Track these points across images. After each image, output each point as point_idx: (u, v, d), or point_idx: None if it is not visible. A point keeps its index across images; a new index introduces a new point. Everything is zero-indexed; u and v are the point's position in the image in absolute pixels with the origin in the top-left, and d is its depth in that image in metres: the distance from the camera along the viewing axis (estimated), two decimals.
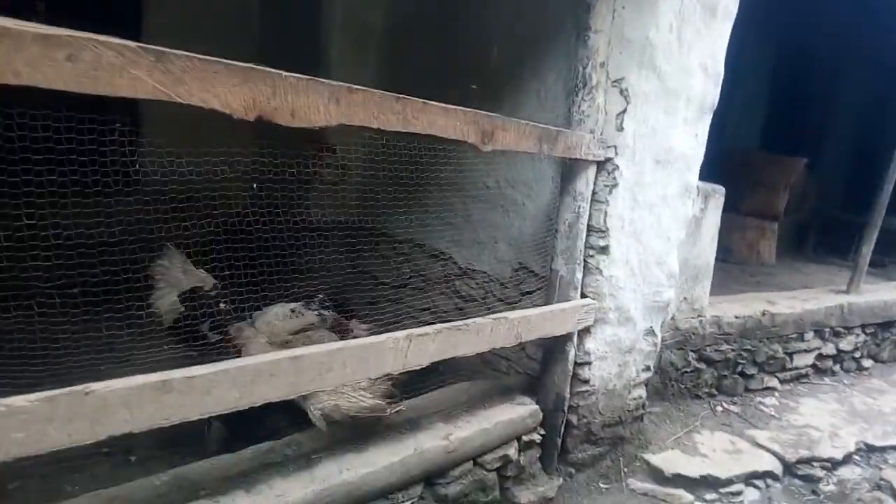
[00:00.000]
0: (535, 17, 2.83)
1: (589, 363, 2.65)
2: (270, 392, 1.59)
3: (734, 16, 2.68)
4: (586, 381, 2.67)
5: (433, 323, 3.60)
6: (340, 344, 1.75)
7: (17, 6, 1.19)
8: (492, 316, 2.18)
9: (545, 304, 2.59)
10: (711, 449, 3.09)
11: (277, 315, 2.71)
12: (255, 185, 2.23)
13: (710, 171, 3.04)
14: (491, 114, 1.98)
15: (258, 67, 1.43)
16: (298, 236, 2.89)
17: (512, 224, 3.04)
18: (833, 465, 3.22)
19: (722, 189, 3.46)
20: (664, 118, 2.57)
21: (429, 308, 3.67)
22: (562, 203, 2.51)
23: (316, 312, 2.56)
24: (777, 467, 3.07)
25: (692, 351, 3.53)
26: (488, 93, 3.08)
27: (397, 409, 2.11)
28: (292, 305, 2.73)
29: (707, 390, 3.64)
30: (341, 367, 1.73)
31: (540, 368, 2.68)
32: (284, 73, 1.47)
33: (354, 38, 4.09)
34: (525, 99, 2.90)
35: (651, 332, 2.87)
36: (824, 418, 3.68)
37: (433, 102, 1.81)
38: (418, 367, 1.96)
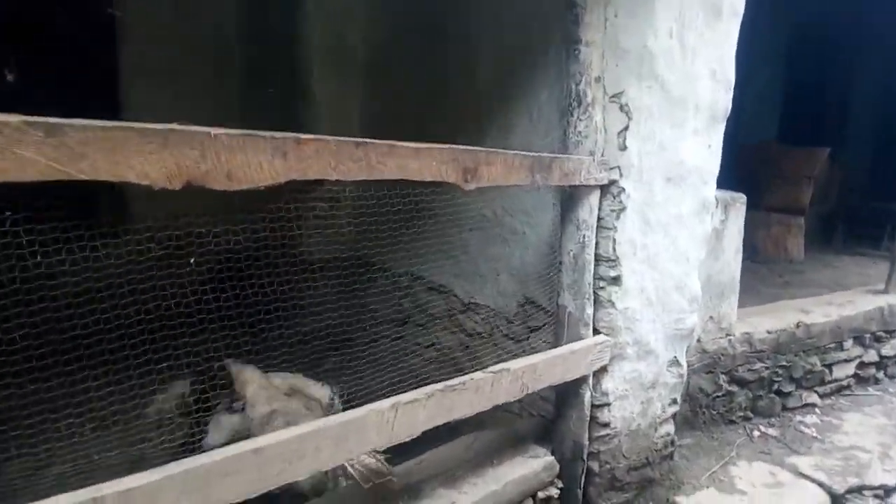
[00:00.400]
0: (522, 32, 2.58)
1: (608, 404, 2.39)
2: (228, 493, 1.35)
3: (741, 14, 2.41)
4: (606, 425, 2.40)
5: (438, 360, 3.45)
6: (314, 425, 1.52)
7: None
8: (492, 369, 1.93)
9: (554, 343, 2.35)
10: (750, 483, 2.79)
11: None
12: (192, 261, 2.01)
13: (727, 168, 2.74)
14: (472, 148, 1.74)
15: (179, 128, 1.20)
16: (292, 276, 2.71)
17: (513, 255, 2.78)
18: (886, 492, 2.89)
19: (743, 197, 3.17)
20: (671, 132, 2.30)
21: (433, 345, 3.44)
22: (564, 233, 2.25)
23: (329, 397, 2.32)
24: (825, 501, 2.75)
25: (723, 373, 3.23)
26: (477, 115, 2.85)
27: (388, 477, 1.86)
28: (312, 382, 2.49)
29: (741, 414, 3.34)
30: (315, 452, 1.50)
31: (554, 412, 2.42)
32: (214, 132, 1.24)
33: (337, 67, 3.88)
34: (516, 121, 2.65)
35: (675, 362, 2.59)
36: (871, 436, 3.35)
37: (402, 143, 1.57)
38: (409, 439, 1.72)
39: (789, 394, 3.54)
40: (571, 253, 2.23)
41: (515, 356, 2.85)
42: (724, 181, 2.78)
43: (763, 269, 5.63)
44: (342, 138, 1.45)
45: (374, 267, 3.73)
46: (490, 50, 2.81)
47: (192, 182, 1.24)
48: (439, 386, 1.78)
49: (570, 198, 2.20)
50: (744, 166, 5.84)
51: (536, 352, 2.36)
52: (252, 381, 2.35)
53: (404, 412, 1.67)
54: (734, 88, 2.48)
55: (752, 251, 5.55)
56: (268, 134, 1.32)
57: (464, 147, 1.71)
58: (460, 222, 2.98)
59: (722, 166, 2.56)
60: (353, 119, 3.88)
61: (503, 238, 2.85)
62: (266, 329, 2.56)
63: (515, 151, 1.86)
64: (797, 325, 3.54)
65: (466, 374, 1.88)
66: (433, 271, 3.36)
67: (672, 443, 2.71)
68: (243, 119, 4.25)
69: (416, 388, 1.79)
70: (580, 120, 2.14)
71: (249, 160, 1.30)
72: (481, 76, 2.85)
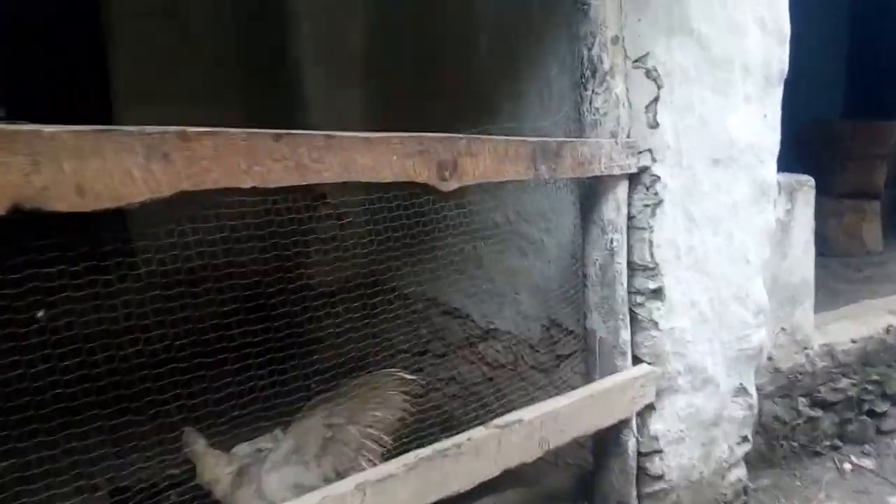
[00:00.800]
0: None
1: (659, 451, 1.98)
2: None
3: None
4: (659, 477, 1.99)
5: (459, 397, 3.09)
6: None
7: None
8: (498, 422, 1.56)
9: (585, 376, 1.97)
10: None
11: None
12: (39, 314, 1.72)
13: (787, 151, 2.32)
14: (448, 135, 1.39)
15: None
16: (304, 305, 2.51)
17: (532, 268, 2.41)
18: None
19: (811, 180, 2.73)
20: (715, 100, 1.91)
21: (453, 378, 3.09)
22: (587, 238, 1.88)
23: None
24: None
25: (802, 396, 2.78)
26: (481, 100, 2.50)
27: None
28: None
29: (828, 443, 2.87)
30: None
31: (592, 464, 2.03)
32: (48, 129, 0.92)
33: (333, 65, 3.57)
34: (524, 102, 2.30)
35: (742, 390, 2.18)
36: None
37: (346, 134, 1.22)
38: None
39: (884, 414, 3.06)
40: (597, 262, 1.85)
41: (544, 391, 2.51)
42: (786, 166, 2.37)
43: (836, 264, 5.11)
44: (255, 130, 1.12)
45: (385, 291, 3.41)
46: (490, 21, 2.47)
47: (23, 203, 0.91)
48: (425, 451, 1.41)
49: (590, 193, 1.83)
50: (806, 148, 5.34)
51: (568, 387, 2.02)
52: (208, 465, 2.01)
53: (376, 494, 1.31)
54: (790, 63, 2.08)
55: (823, 243, 5.04)
56: (136, 129, 0.99)
57: (435, 134, 1.36)
58: (470, 232, 2.64)
59: (781, 148, 2.15)
60: (354, 116, 3.57)
61: (520, 249, 2.48)
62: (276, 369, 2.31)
63: (508, 137, 1.50)
64: (887, 330, 3.07)
65: (464, 430, 1.52)
66: (446, 293, 3.02)
67: (745, 490, 2.29)
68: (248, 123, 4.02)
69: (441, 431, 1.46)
70: (596, 93, 1.77)
71: (111, 167, 0.97)
72: (483, 51, 2.51)
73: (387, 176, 1.30)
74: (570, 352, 2.30)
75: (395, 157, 1.29)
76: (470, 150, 1.42)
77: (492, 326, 2.72)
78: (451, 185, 1.40)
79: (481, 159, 1.44)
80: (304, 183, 1.18)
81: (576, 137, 1.79)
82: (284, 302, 2.48)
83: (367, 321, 3.31)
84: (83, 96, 3.94)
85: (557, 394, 2.39)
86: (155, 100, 3.76)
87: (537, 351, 2.47)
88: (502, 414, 2.79)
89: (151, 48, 3.83)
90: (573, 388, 2.29)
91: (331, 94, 3.51)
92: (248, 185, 1.12)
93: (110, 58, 3.90)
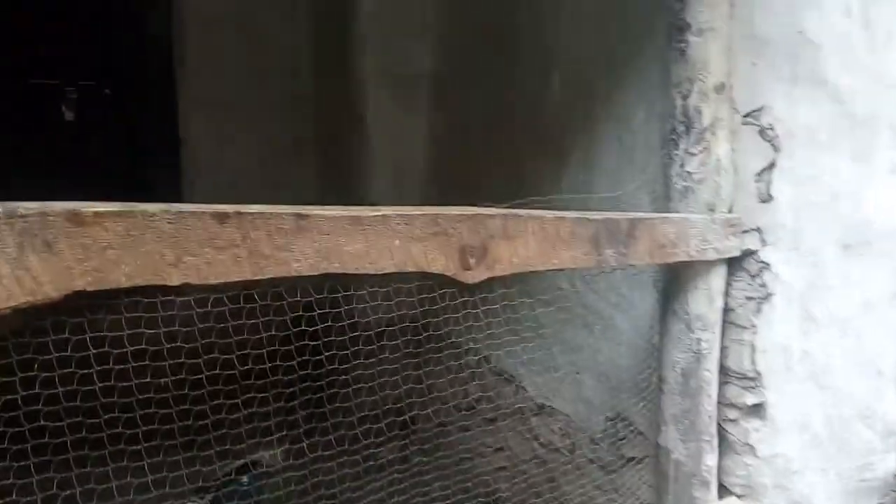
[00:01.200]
0: (607, 24, 1.86)
1: None
2: None
3: None
4: None
5: (509, 470, 2.74)
6: None
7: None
8: None
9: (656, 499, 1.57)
10: None
11: None
12: None
13: None
14: (477, 211, 1.04)
15: None
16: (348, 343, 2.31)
17: (598, 349, 2.03)
18: None
19: None
20: (851, 169, 1.47)
21: (501, 448, 2.74)
22: (666, 334, 1.48)
23: None
24: None
25: None
26: (551, 141, 2.16)
27: None
28: None
29: None
30: None
31: None
32: None
33: (398, 89, 3.31)
34: (600, 151, 1.92)
35: None
36: None
37: (325, 211, 0.91)
38: None
39: None
40: (678, 367, 1.45)
41: (604, 493, 2.13)
42: None
43: None
44: (187, 207, 0.81)
45: (437, 337, 3.11)
46: (566, 51, 2.12)
47: None
48: None
49: (673, 277, 1.44)
50: None
51: (635, 498, 1.64)
52: None
53: None
54: None
55: None
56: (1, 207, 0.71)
57: (456, 210, 1.02)
58: (527, 290, 2.29)
59: None
60: (417, 143, 3.30)
61: (584, 323, 2.10)
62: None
63: (561, 213, 1.14)
64: None
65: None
66: (498, 353, 2.69)
67: None
68: (318, 155, 3.85)
69: None
70: (690, 154, 1.38)
71: None
72: (556, 88, 2.16)
73: (386, 266, 0.97)
74: (639, 455, 1.90)
75: (397, 242, 0.97)
76: (506, 231, 1.07)
77: (547, 403, 2.35)
78: (479, 276, 1.06)
79: (521, 242, 1.09)
80: (262, 278, 0.87)
81: (660, 207, 1.41)
82: (326, 338, 2.28)
83: (413, 365, 3.06)
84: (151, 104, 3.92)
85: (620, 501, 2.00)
86: (225, 109, 3.66)
87: (598, 445, 2.08)
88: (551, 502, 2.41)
89: (220, 57, 3.72)
90: (639, 500, 1.89)
91: (394, 117, 3.25)
92: (176, 281, 0.82)
93: (178, 64, 3.81)
